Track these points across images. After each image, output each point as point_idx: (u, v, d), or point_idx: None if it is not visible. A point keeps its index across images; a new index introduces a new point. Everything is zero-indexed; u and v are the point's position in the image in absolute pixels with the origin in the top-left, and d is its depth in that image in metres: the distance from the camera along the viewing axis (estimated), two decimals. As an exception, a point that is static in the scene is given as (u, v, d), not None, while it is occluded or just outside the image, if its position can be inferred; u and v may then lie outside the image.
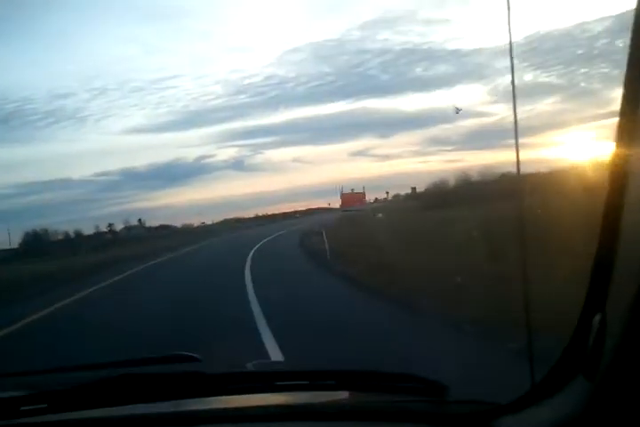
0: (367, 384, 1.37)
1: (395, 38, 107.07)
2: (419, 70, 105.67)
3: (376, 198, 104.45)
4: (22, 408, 1.23)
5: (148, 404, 1.29)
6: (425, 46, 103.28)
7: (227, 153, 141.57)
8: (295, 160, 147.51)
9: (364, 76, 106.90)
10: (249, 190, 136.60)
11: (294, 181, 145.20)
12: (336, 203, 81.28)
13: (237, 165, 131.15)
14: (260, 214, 71.40)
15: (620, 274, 0.66)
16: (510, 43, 1.11)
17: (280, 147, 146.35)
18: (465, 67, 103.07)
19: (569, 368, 0.81)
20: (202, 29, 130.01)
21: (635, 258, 0.64)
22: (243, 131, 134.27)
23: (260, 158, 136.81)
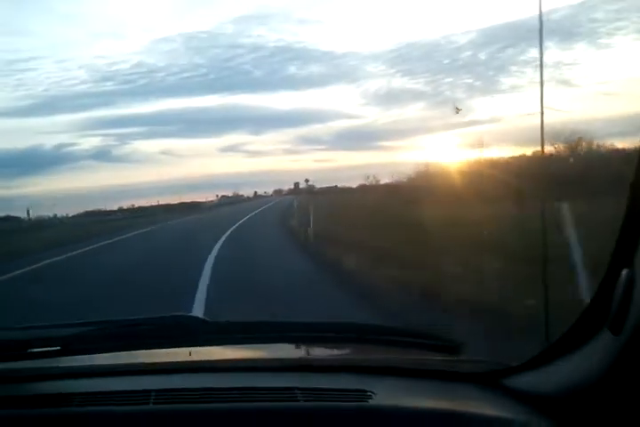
0: (385, 339, 1.39)
1: (269, 35, 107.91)
2: (292, 69, 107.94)
3: (255, 193, 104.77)
4: (31, 350, 1.25)
5: (154, 350, 1.36)
6: (299, 45, 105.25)
7: (90, 142, 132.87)
8: (164, 152, 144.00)
9: (237, 70, 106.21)
10: (115, 182, 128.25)
11: (163, 174, 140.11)
12: (210, 197, 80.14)
13: (102, 155, 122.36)
14: (125, 207, 66.14)
15: None
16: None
17: (149, 138, 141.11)
18: (338, 68, 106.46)
19: (592, 324, 0.78)
20: (65, 12, 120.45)
21: None
22: (109, 119, 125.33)
23: (127, 149, 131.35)
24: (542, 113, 3.01)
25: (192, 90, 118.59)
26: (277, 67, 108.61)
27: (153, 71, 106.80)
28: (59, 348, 1.26)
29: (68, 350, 1.27)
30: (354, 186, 52.96)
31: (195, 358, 1.34)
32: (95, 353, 1.33)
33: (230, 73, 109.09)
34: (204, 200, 73.40)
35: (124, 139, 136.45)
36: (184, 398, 1.00)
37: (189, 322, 1.50)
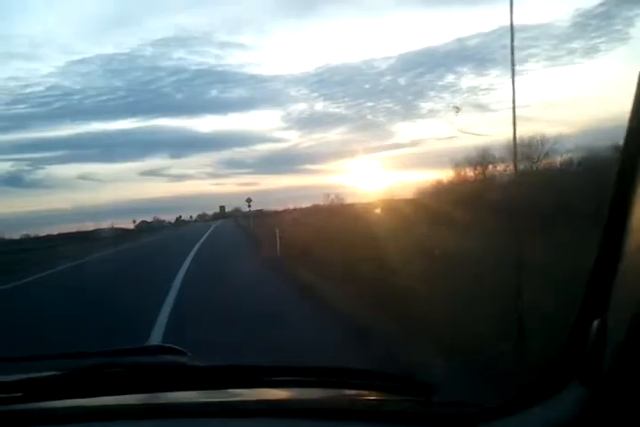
0: (355, 382, 1.33)
1: (190, 58, 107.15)
2: (214, 92, 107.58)
3: (178, 217, 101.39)
4: None
5: (125, 395, 1.25)
6: (221, 69, 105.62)
7: (1, 167, 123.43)
8: (82, 177, 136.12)
9: (157, 93, 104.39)
10: (28, 208, 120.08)
11: (80, 200, 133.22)
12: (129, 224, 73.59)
13: (13, 181, 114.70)
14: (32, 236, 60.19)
15: (624, 280, 0.63)
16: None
17: (65, 162, 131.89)
18: (261, 92, 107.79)
19: (563, 373, 0.79)
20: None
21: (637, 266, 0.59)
22: (21, 143, 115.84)
23: (41, 174, 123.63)
24: (515, 128, 3.11)
25: (111, 113, 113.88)
26: (199, 90, 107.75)
27: (69, 94, 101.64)
28: (20, 394, 1.20)
29: (32, 396, 1.21)
30: (280, 209, 52.89)
31: (166, 401, 1.30)
32: (63, 399, 1.24)
33: (150, 96, 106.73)
34: (106, 227, 58.29)
35: (37, 163, 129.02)
36: None
37: (169, 365, 1.40)
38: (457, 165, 24.13)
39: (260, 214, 45.60)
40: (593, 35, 63.86)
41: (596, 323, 0.69)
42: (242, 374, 1.35)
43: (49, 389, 1.23)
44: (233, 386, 1.34)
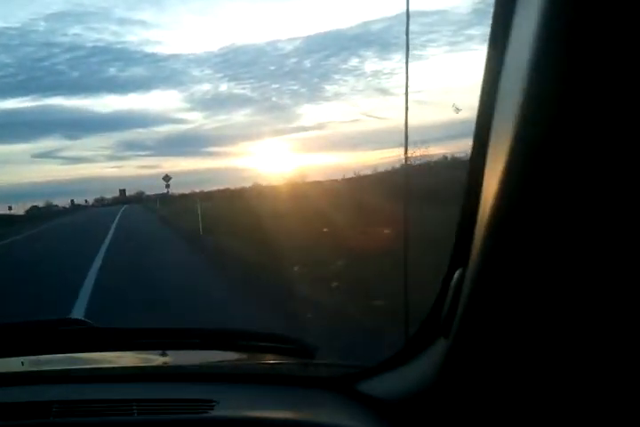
0: (236, 344, 1.33)
1: (87, 34, 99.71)
2: (113, 70, 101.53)
3: (72, 201, 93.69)
4: None
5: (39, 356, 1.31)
6: (120, 46, 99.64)
7: None
8: None
9: (51, 71, 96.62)
10: None
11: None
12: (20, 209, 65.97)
13: None
14: None
15: (481, 229, 0.61)
16: None
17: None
18: (162, 71, 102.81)
19: (434, 327, 0.78)
20: None
21: (497, 209, 0.58)
22: None
23: None
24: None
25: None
26: (96, 68, 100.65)
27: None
28: None
29: None
30: (186, 192, 50.84)
31: (84, 366, 1.34)
32: None
33: (43, 73, 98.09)
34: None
35: None
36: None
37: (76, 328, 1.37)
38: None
39: (166, 198, 42.50)
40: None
41: (456, 274, 0.69)
42: (122, 336, 1.33)
43: None
44: (113, 349, 1.35)
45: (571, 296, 0.54)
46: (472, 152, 0.66)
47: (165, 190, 23.58)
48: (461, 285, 0.67)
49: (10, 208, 59.22)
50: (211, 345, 1.35)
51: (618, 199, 0.48)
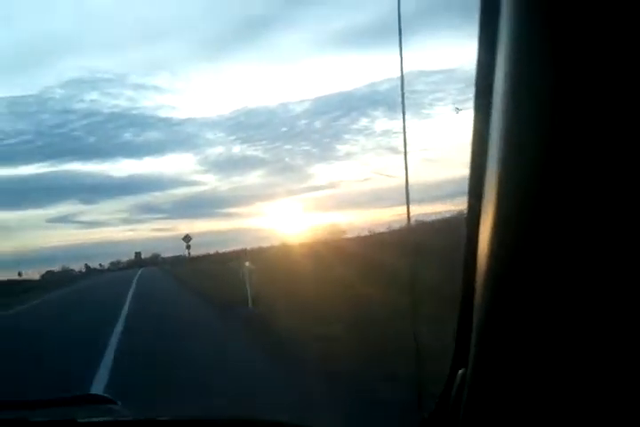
0: None
1: (103, 101, 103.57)
2: (128, 135, 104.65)
3: (86, 265, 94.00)
4: None
5: None
6: (135, 112, 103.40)
7: None
8: None
9: (67, 137, 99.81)
10: None
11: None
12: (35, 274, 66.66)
13: None
14: None
15: (480, 327, 0.58)
16: None
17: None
18: (176, 135, 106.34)
19: (437, 424, 0.76)
20: None
21: (492, 306, 0.56)
22: None
23: None
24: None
25: (17, 158, 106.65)
26: (112, 133, 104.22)
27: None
28: None
29: None
30: (201, 254, 50.80)
31: None
32: None
33: (60, 139, 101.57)
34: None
35: None
36: None
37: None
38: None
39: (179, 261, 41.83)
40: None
41: (460, 372, 0.68)
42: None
43: None
44: None
45: (576, 387, 0.49)
46: (467, 217, 0.65)
47: (185, 252, 23.01)
48: (463, 387, 0.65)
49: (20, 274, 58.52)
50: None
51: (615, 258, 0.44)
